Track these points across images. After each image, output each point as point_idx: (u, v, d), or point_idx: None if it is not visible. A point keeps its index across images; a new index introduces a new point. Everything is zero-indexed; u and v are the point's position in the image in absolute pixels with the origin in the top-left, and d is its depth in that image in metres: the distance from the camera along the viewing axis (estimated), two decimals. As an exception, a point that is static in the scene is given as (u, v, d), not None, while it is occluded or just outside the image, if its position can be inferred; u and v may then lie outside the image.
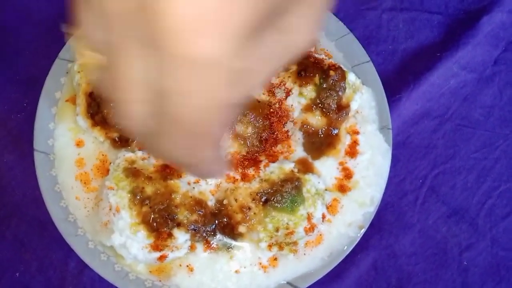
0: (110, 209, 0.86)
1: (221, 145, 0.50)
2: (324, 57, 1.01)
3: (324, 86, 0.96)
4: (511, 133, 1.09)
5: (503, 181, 1.06)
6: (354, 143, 1.00)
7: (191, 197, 0.89)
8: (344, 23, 1.06)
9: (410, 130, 1.08)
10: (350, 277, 0.99)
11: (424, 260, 1.02)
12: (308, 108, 0.97)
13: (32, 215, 0.98)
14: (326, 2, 0.42)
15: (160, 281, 0.91)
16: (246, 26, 0.34)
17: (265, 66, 0.41)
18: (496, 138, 1.09)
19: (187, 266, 0.91)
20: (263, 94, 0.99)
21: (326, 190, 0.96)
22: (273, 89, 1.00)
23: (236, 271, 0.92)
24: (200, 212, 0.88)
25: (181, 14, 0.32)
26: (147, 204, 0.85)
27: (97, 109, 0.91)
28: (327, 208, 0.95)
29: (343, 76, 0.97)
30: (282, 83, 0.99)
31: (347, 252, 0.93)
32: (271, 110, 0.98)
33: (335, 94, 0.96)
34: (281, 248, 0.91)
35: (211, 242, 0.92)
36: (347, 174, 0.98)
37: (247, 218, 0.88)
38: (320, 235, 0.94)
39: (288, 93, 0.99)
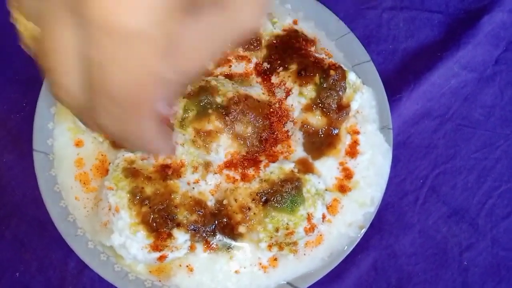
0: (109, 209, 0.86)
1: (164, 120, 0.50)
2: (325, 57, 1.01)
3: (325, 85, 0.95)
4: (511, 133, 1.09)
5: (503, 181, 1.06)
6: (355, 143, 0.99)
7: (190, 197, 0.89)
8: (344, 23, 1.06)
9: (411, 130, 1.08)
10: (350, 277, 0.99)
11: (424, 260, 1.01)
12: (308, 108, 0.97)
13: (31, 215, 0.98)
14: None
15: (159, 281, 0.91)
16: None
17: (206, 43, 0.40)
18: (496, 138, 1.08)
19: (187, 266, 0.91)
20: (263, 93, 0.99)
21: (326, 190, 0.96)
22: (273, 89, 1.00)
23: (236, 272, 0.92)
24: (200, 212, 0.88)
25: None
26: (146, 204, 0.85)
27: (97, 109, 0.90)
28: (327, 208, 0.95)
29: (343, 76, 0.97)
30: (282, 83, 0.99)
31: (347, 252, 0.93)
32: (271, 110, 0.98)
33: (335, 94, 0.96)
34: (281, 248, 0.90)
35: (211, 243, 0.92)
36: (348, 174, 0.98)
37: (247, 218, 0.88)
38: (320, 235, 0.94)
39: (288, 92, 0.98)
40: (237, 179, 0.93)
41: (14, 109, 1.03)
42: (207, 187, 0.93)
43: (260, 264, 0.93)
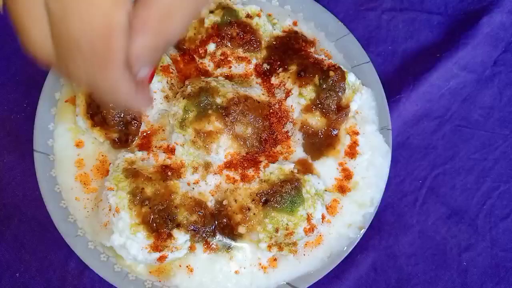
0: (109, 210, 0.86)
1: (142, 82, 0.52)
2: (324, 58, 1.01)
3: (324, 86, 0.96)
4: (510, 134, 1.09)
5: (502, 181, 1.06)
6: (354, 143, 1.00)
7: (190, 197, 0.89)
8: (344, 24, 1.06)
9: (410, 131, 1.08)
10: (350, 278, 0.99)
11: (424, 260, 1.02)
12: (307, 109, 0.97)
13: (32, 216, 0.98)
14: None
15: (160, 281, 0.91)
16: None
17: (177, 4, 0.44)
18: (495, 138, 1.09)
19: (187, 266, 0.92)
20: (263, 94, 1.00)
21: (325, 190, 0.96)
22: (273, 90, 1.00)
23: (236, 272, 0.92)
24: (200, 213, 0.88)
25: None
26: (146, 204, 0.85)
27: (97, 110, 0.91)
28: (327, 208, 0.95)
29: (342, 77, 0.97)
30: (281, 84, 0.99)
31: (347, 253, 0.94)
32: (271, 110, 0.98)
33: (334, 95, 0.96)
34: (280, 248, 0.91)
35: (211, 243, 0.92)
36: (347, 175, 0.98)
37: (247, 218, 0.88)
38: (320, 235, 0.95)
39: (287, 93, 0.99)
40: (237, 180, 0.93)
41: (15, 110, 1.03)
42: (207, 187, 0.93)
43: (260, 264, 0.93)
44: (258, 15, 1.04)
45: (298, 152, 0.99)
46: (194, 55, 1.02)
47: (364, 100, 1.02)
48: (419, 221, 1.03)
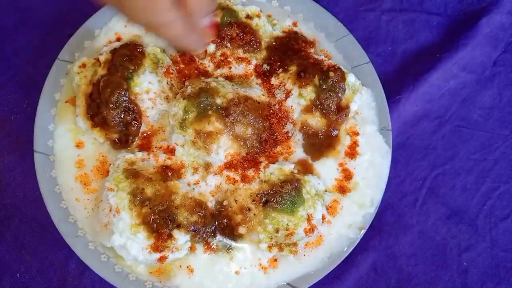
0: (110, 210, 0.86)
1: (203, 31, 0.66)
2: (324, 58, 1.01)
3: (324, 87, 0.96)
4: (510, 134, 1.09)
5: (502, 182, 1.06)
6: (354, 144, 1.00)
7: (191, 198, 0.89)
8: (343, 24, 1.06)
9: (410, 131, 1.08)
10: (350, 278, 0.99)
11: (424, 261, 1.02)
12: (308, 109, 0.97)
13: (32, 216, 0.98)
14: None
15: (160, 282, 0.91)
16: None
17: None
18: (495, 139, 1.09)
19: (187, 267, 0.92)
20: (263, 95, 1.00)
21: (326, 191, 0.96)
22: (273, 90, 1.00)
23: (236, 272, 0.92)
24: (200, 213, 0.89)
25: None
26: (147, 205, 0.85)
27: (97, 110, 0.91)
28: (327, 209, 0.95)
29: (342, 77, 0.97)
30: (281, 84, 1.00)
31: (347, 253, 0.94)
32: (271, 111, 0.98)
33: (334, 95, 0.97)
34: (281, 249, 0.91)
35: (211, 243, 0.92)
36: (347, 175, 0.98)
37: (247, 219, 0.88)
38: (320, 236, 0.95)
39: (288, 94, 0.99)
40: (237, 180, 0.93)
41: (15, 110, 1.03)
42: (207, 188, 0.93)
43: (260, 265, 0.93)
44: (258, 16, 1.04)
45: (298, 153, 0.99)
46: (194, 56, 1.02)
47: (364, 100, 1.02)
48: (419, 221, 1.03)
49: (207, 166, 0.94)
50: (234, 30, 1.00)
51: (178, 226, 0.86)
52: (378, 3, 1.16)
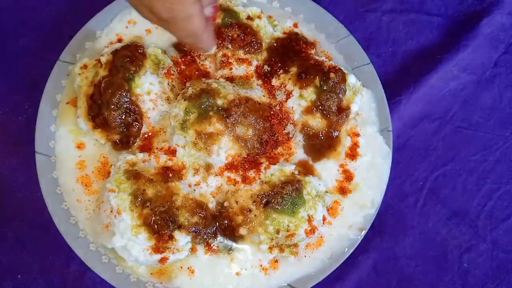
0: (111, 211, 0.86)
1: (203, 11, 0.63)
2: (325, 59, 1.01)
3: (325, 88, 0.96)
4: (511, 135, 1.09)
5: (503, 183, 1.07)
6: (355, 145, 1.00)
7: (192, 199, 0.89)
8: (344, 25, 1.06)
9: (410, 132, 1.08)
10: (351, 279, 0.99)
11: (425, 262, 1.02)
12: (308, 110, 0.98)
13: (33, 218, 0.98)
14: None
15: (161, 283, 0.91)
16: None
17: None
18: (496, 140, 1.09)
19: (188, 268, 0.92)
20: (264, 96, 1.00)
21: (326, 192, 0.97)
22: (274, 91, 1.00)
23: (237, 273, 0.93)
24: (201, 214, 0.89)
25: None
26: (148, 206, 0.85)
27: (98, 111, 0.91)
28: (328, 210, 0.96)
29: (343, 78, 0.97)
30: (282, 85, 1.00)
31: (348, 254, 0.94)
32: (272, 112, 0.98)
33: (335, 96, 0.97)
34: (281, 250, 0.91)
35: (212, 244, 0.92)
36: (348, 176, 0.98)
37: (248, 220, 0.88)
38: (321, 237, 0.95)
39: (288, 95, 0.99)
40: (238, 181, 0.93)
41: (16, 111, 1.03)
42: (208, 189, 0.93)
43: (261, 266, 0.93)
44: (259, 17, 1.04)
45: (299, 154, 0.99)
46: (195, 57, 1.02)
47: (364, 101, 1.02)
48: (420, 222, 1.04)
49: (208, 167, 0.94)
50: (235, 31, 1.00)
51: (179, 227, 0.86)
52: (378, 4, 1.16)
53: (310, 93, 0.96)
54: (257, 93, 0.99)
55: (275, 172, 0.93)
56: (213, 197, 0.93)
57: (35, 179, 0.93)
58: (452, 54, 1.10)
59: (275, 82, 1.01)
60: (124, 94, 0.90)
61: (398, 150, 1.06)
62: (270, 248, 0.90)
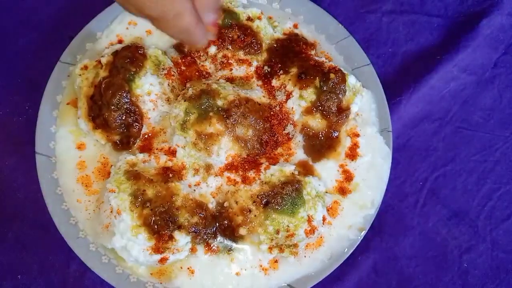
0: (111, 212, 0.86)
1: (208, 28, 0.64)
2: (324, 60, 1.01)
3: (325, 88, 0.96)
4: (511, 135, 1.09)
5: (503, 183, 1.06)
6: (355, 145, 1.00)
7: (192, 199, 0.90)
8: (344, 26, 1.06)
9: (410, 133, 1.08)
10: (351, 280, 0.99)
11: (425, 262, 1.02)
12: (308, 111, 0.98)
13: (33, 218, 0.98)
14: None
15: (161, 283, 0.91)
16: None
17: None
18: (496, 140, 1.09)
19: (188, 268, 0.92)
20: (264, 96, 1.00)
21: (326, 192, 0.97)
22: (274, 92, 1.00)
23: (237, 274, 0.93)
24: (201, 215, 0.89)
25: None
26: (148, 206, 0.85)
27: (98, 112, 0.91)
28: (328, 210, 0.96)
29: (343, 79, 0.97)
30: (282, 86, 1.00)
31: (348, 255, 0.94)
32: (272, 112, 0.98)
33: (335, 97, 0.97)
34: (281, 250, 0.91)
35: (212, 245, 0.92)
36: (348, 177, 0.98)
37: (248, 220, 0.88)
38: (321, 237, 0.95)
39: (288, 95, 0.99)
40: (238, 182, 0.93)
41: (16, 112, 1.03)
42: (208, 189, 0.93)
43: (261, 266, 0.93)
44: (259, 18, 1.04)
45: (299, 154, 0.99)
46: (195, 58, 1.02)
47: (364, 102, 1.02)
48: (420, 222, 1.03)
49: (208, 168, 0.94)
50: (235, 32, 1.01)
51: (179, 227, 0.86)
52: (378, 5, 1.16)
53: (310, 94, 0.97)
54: (257, 94, 1.00)
55: (275, 173, 0.93)
56: (213, 197, 0.93)
57: (35, 180, 0.93)
58: (452, 54, 1.10)
59: (275, 82, 1.01)
60: (124, 95, 0.91)
61: (398, 151, 1.06)
62: (270, 248, 0.90)
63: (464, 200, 1.05)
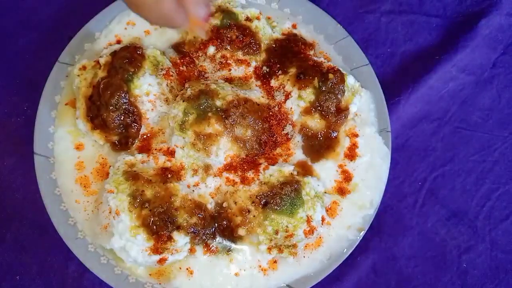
0: (110, 212, 0.86)
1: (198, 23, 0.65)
2: (323, 60, 1.01)
3: (323, 89, 0.96)
4: (509, 135, 1.09)
5: (501, 183, 1.06)
6: (353, 145, 1.00)
7: (190, 200, 0.89)
8: (343, 26, 1.06)
9: (409, 133, 1.08)
10: (350, 280, 0.99)
11: (424, 262, 1.02)
12: (307, 111, 0.98)
13: (32, 218, 0.98)
14: None
15: (160, 284, 0.91)
16: None
17: None
18: (494, 140, 1.09)
19: (187, 269, 0.92)
20: (262, 97, 1.00)
21: (325, 192, 0.97)
22: (273, 92, 1.00)
23: (236, 274, 0.92)
24: (200, 215, 0.89)
25: None
26: (146, 207, 0.85)
27: (97, 113, 0.91)
28: (327, 210, 0.96)
29: (342, 79, 0.97)
30: (281, 86, 1.00)
31: (347, 255, 0.94)
32: (271, 113, 0.98)
33: (334, 97, 0.97)
34: (280, 251, 0.91)
35: (211, 245, 0.92)
36: (347, 177, 0.98)
37: (247, 221, 0.88)
38: (320, 237, 0.95)
39: (287, 96, 0.99)
40: (236, 182, 0.93)
41: (15, 112, 1.03)
42: (207, 189, 0.93)
43: (260, 266, 0.93)
44: (258, 18, 1.04)
45: (298, 154, 0.99)
46: (194, 58, 1.02)
47: (363, 102, 1.02)
48: (419, 223, 1.03)
49: (207, 168, 0.94)
50: (233, 33, 1.01)
51: (178, 228, 0.86)
52: (377, 5, 1.16)
53: (309, 94, 0.97)
54: (256, 94, 1.00)
55: (274, 173, 0.93)
56: (212, 198, 0.93)
57: (34, 180, 0.93)
58: (451, 55, 1.10)
59: (274, 83, 1.01)
60: (123, 95, 0.90)
61: (397, 151, 1.06)
62: (269, 249, 0.90)
63: (463, 200, 1.05)
